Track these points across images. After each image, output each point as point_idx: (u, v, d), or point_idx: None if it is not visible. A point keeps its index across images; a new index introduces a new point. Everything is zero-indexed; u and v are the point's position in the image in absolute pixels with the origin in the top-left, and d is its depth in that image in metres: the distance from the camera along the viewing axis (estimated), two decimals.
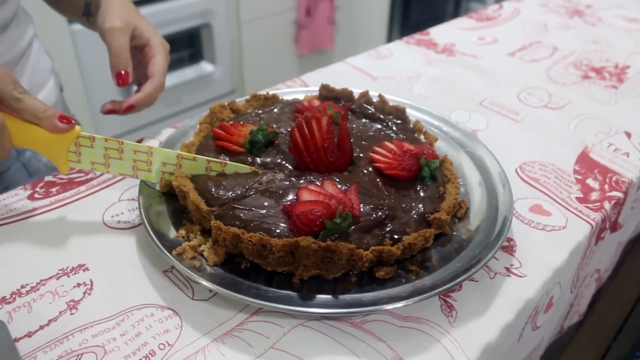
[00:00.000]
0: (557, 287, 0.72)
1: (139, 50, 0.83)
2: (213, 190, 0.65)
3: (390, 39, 3.18)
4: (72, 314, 0.58)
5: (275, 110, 0.83)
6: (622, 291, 1.13)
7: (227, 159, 0.71)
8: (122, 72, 0.77)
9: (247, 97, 0.86)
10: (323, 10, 2.81)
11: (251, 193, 0.65)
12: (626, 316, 1.06)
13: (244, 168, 0.70)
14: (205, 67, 2.51)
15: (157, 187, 0.70)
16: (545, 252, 0.69)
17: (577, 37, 1.34)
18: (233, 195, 0.65)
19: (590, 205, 0.77)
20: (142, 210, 0.65)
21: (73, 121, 0.64)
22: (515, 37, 1.33)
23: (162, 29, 2.25)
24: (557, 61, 1.21)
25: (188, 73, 2.44)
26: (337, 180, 0.67)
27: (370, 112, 0.83)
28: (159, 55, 0.82)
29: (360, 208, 0.62)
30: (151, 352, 0.54)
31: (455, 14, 3.38)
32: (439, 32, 1.34)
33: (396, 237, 0.61)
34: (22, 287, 0.61)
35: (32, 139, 0.64)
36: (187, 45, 2.44)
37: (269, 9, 2.65)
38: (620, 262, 1.12)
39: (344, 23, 3.03)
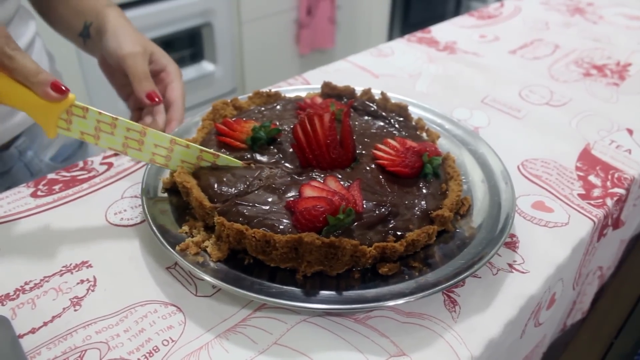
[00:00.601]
0: (560, 284, 0.72)
1: (153, 76, 0.84)
2: (216, 186, 0.65)
3: (390, 38, 3.18)
4: (75, 310, 0.58)
5: (278, 107, 0.83)
6: (625, 289, 1.13)
7: (229, 154, 0.71)
8: (152, 92, 0.79)
9: (250, 94, 0.86)
10: (324, 10, 2.81)
11: (254, 189, 0.65)
12: (628, 314, 1.06)
13: (236, 162, 0.70)
14: (206, 66, 2.51)
15: (159, 191, 0.70)
16: (548, 249, 0.69)
17: (578, 34, 1.34)
18: (236, 191, 0.65)
19: (592, 202, 0.77)
20: (145, 206, 0.65)
21: (65, 89, 0.61)
22: (516, 35, 1.33)
23: (163, 28, 2.25)
24: (559, 59, 1.21)
25: (189, 72, 2.44)
26: (340, 177, 0.67)
27: (372, 109, 0.83)
28: (177, 81, 0.85)
29: (363, 204, 0.62)
30: (155, 348, 0.54)
31: (456, 13, 3.37)
32: (441, 30, 1.34)
33: (399, 233, 0.61)
34: (26, 283, 0.61)
35: (21, 100, 0.61)
36: (188, 45, 2.45)
37: (269, 9, 2.65)
38: (622, 260, 1.12)
39: (345, 22, 3.03)
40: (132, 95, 0.88)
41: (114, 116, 0.65)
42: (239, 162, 0.70)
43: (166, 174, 0.72)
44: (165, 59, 0.86)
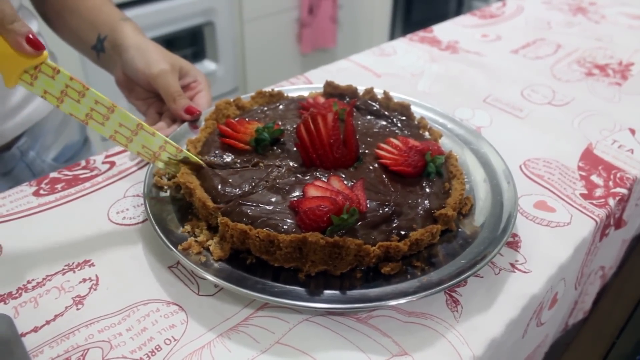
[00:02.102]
0: (562, 283, 0.72)
1: (183, 87, 0.85)
2: (219, 187, 0.65)
3: (392, 37, 3.18)
4: (78, 309, 0.58)
5: (281, 107, 0.83)
6: (626, 288, 1.12)
7: (233, 156, 0.71)
8: (190, 107, 0.80)
9: (252, 93, 0.86)
10: (325, 9, 2.80)
11: (258, 190, 0.65)
12: (630, 313, 1.06)
13: (196, 159, 0.69)
14: (208, 65, 2.51)
15: (162, 190, 0.70)
16: (550, 248, 0.69)
17: (580, 34, 1.34)
18: (239, 192, 0.65)
19: (594, 202, 0.77)
20: (147, 206, 0.65)
21: (40, 45, 0.58)
22: (518, 35, 1.33)
23: (165, 27, 2.25)
24: (561, 58, 1.20)
25: None
26: (343, 176, 0.67)
27: (375, 108, 0.83)
28: (206, 90, 0.86)
29: (366, 204, 0.62)
30: (157, 347, 0.54)
31: (458, 12, 3.37)
32: (443, 30, 1.34)
33: (403, 233, 0.61)
34: (28, 282, 0.61)
35: None
36: (190, 44, 2.44)
37: (271, 8, 2.65)
38: (624, 260, 1.12)
39: (347, 21, 3.03)
40: (151, 108, 0.88)
41: (86, 86, 0.63)
42: (199, 160, 0.69)
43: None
44: (194, 71, 0.87)
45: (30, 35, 0.57)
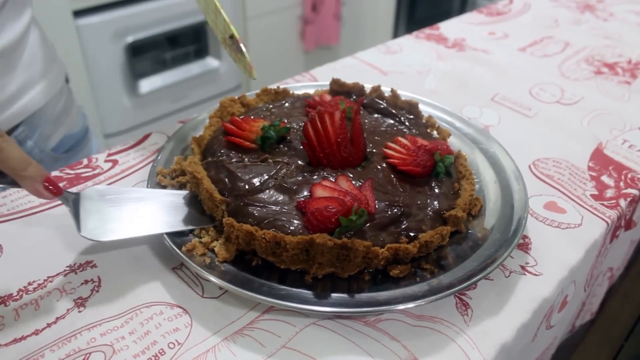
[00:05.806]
0: (572, 286, 0.71)
1: None
2: (227, 180, 0.64)
3: (396, 34, 3.16)
4: (79, 311, 0.57)
5: (286, 104, 0.82)
6: (634, 290, 1.11)
7: (239, 154, 0.70)
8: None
9: (258, 91, 0.84)
10: (329, 6, 2.79)
11: (265, 188, 0.64)
12: (638, 315, 1.05)
13: (233, 30, 0.71)
14: (210, 62, 2.49)
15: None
16: (561, 251, 0.67)
17: (588, 32, 1.32)
18: (247, 187, 0.63)
19: (605, 203, 0.75)
20: None
21: (58, 191, 0.56)
22: (526, 32, 1.31)
23: (168, 24, 2.24)
24: (569, 56, 1.19)
25: (193, 68, 2.42)
26: (351, 176, 0.66)
27: (382, 107, 0.82)
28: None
29: (375, 205, 0.61)
30: (161, 351, 0.53)
31: (462, 9, 3.35)
32: (449, 27, 1.33)
33: (412, 234, 0.60)
34: (29, 284, 0.60)
35: None
36: (193, 41, 2.43)
37: (274, 4, 2.63)
38: (631, 261, 1.10)
39: (350, 18, 3.02)
40: None
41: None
42: (235, 32, 0.70)
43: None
44: None
45: (46, 183, 0.56)
